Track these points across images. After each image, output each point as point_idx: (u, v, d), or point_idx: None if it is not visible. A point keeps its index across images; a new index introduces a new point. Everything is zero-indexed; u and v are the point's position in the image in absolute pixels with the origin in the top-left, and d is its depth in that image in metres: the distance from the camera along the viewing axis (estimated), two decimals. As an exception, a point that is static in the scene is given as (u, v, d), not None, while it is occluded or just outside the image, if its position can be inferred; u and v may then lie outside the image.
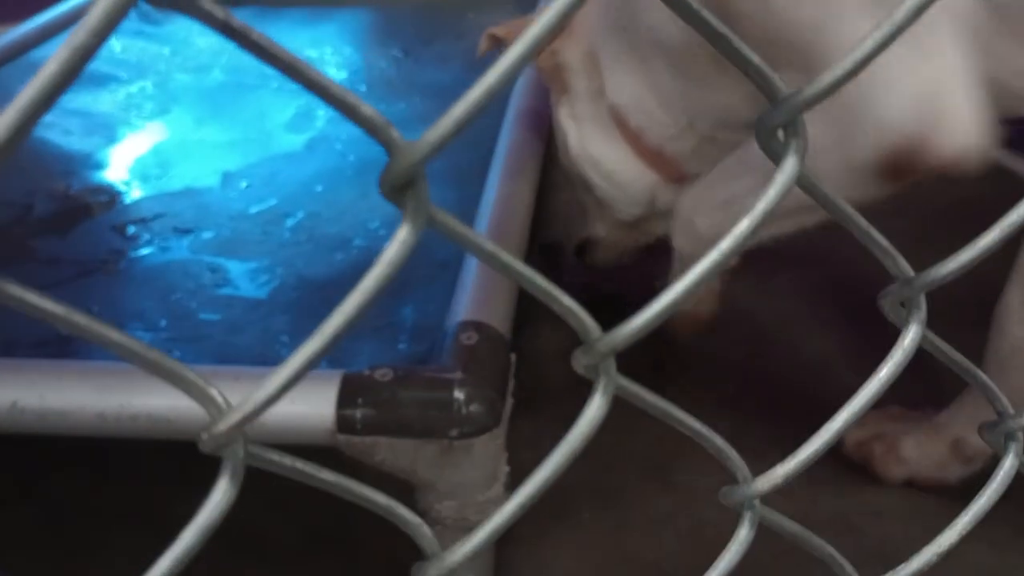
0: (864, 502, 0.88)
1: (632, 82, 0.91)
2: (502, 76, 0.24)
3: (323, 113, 1.18)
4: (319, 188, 1.03)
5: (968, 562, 0.69)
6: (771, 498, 0.37)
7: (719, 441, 0.36)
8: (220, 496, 0.25)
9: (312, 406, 0.63)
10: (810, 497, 0.84)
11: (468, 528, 0.68)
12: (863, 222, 0.34)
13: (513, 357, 0.71)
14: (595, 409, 0.31)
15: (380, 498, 0.30)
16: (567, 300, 0.29)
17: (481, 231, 0.86)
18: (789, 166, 0.30)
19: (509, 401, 0.69)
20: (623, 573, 0.81)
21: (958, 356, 0.39)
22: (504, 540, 0.71)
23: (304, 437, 0.63)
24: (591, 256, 1.10)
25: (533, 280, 0.28)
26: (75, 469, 0.88)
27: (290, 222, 0.96)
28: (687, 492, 0.89)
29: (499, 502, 0.67)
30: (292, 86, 0.25)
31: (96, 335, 0.22)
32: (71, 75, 0.19)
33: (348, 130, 1.10)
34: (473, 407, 0.64)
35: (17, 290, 0.20)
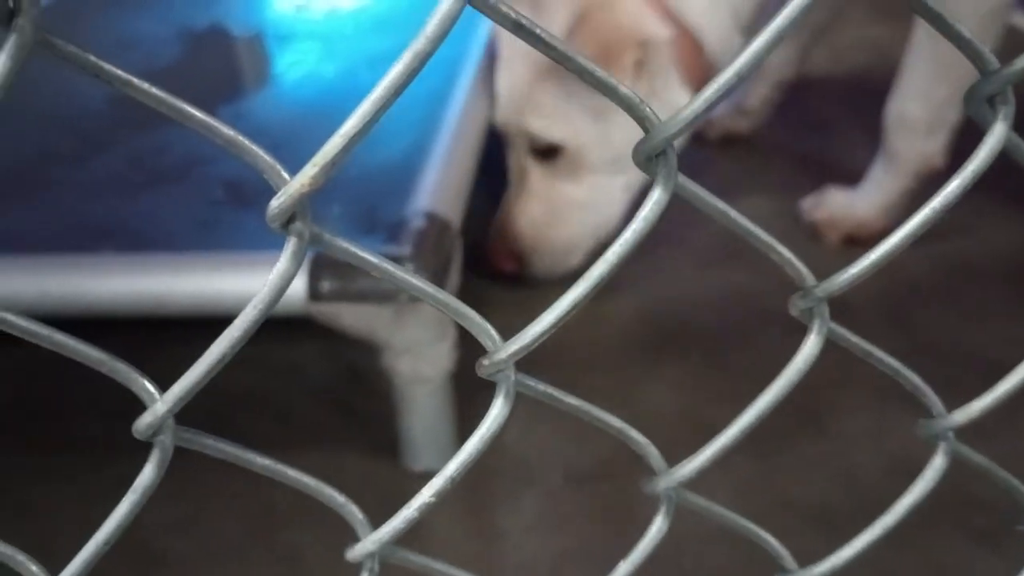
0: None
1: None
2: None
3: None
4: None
5: None
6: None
7: (916, 379, 0.38)
8: (498, 411, 0.31)
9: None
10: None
11: (424, 380, 0.82)
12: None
13: (459, 241, 0.84)
14: (811, 347, 0.34)
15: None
16: (784, 251, 0.32)
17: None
18: (999, 131, 0.32)
19: (455, 276, 0.83)
20: (777, 515, 0.80)
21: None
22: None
23: (283, 307, 0.77)
24: None
25: (768, 242, 0.31)
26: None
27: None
28: (839, 438, 0.89)
29: (449, 358, 0.82)
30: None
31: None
32: (411, 77, 0.23)
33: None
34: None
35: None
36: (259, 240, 0.92)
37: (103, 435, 0.92)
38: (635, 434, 0.32)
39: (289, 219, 0.24)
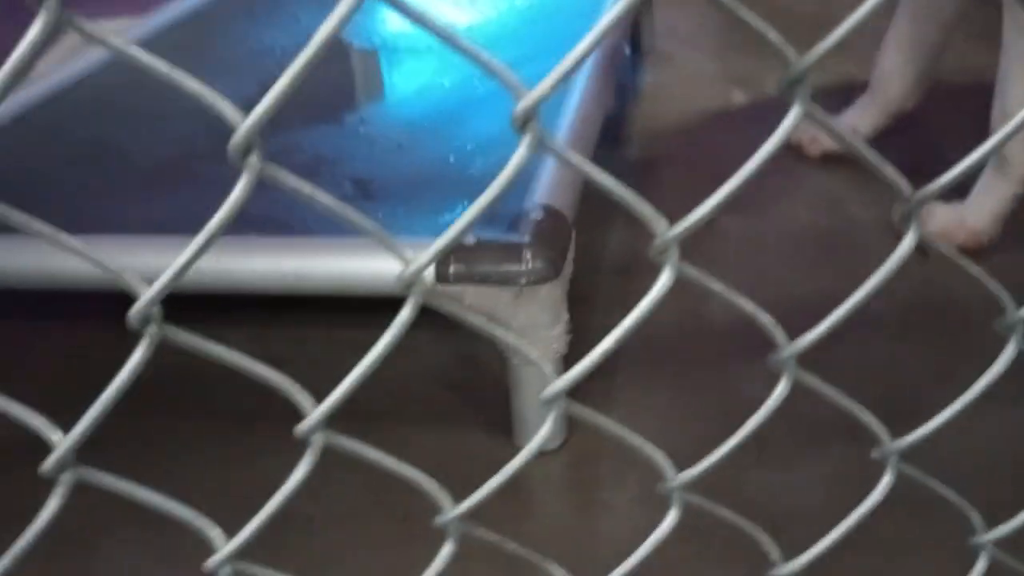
0: None
1: None
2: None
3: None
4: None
5: None
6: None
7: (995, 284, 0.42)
8: (664, 281, 0.35)
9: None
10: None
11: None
12: None
13: (573, 232, 0.90)
14: (909, 241, 0.39)
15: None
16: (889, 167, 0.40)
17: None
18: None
19: (569, 264, 0.88)
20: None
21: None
22: (758, 462, 0.87)
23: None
24: None
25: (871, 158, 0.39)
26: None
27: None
28: (932, 433, 0.98)
29: (560, 339, 0.87)
30: None
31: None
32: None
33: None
34: (537, 263, 0.83)
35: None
36: (388, 229, 1.00)
37: (240, 407, 1.00)
38: (763, 316, 0.37)
39: (526, 121, 0.29)
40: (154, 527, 0.83)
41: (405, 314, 0.30)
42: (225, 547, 0.33)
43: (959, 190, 1.18)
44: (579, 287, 0.97)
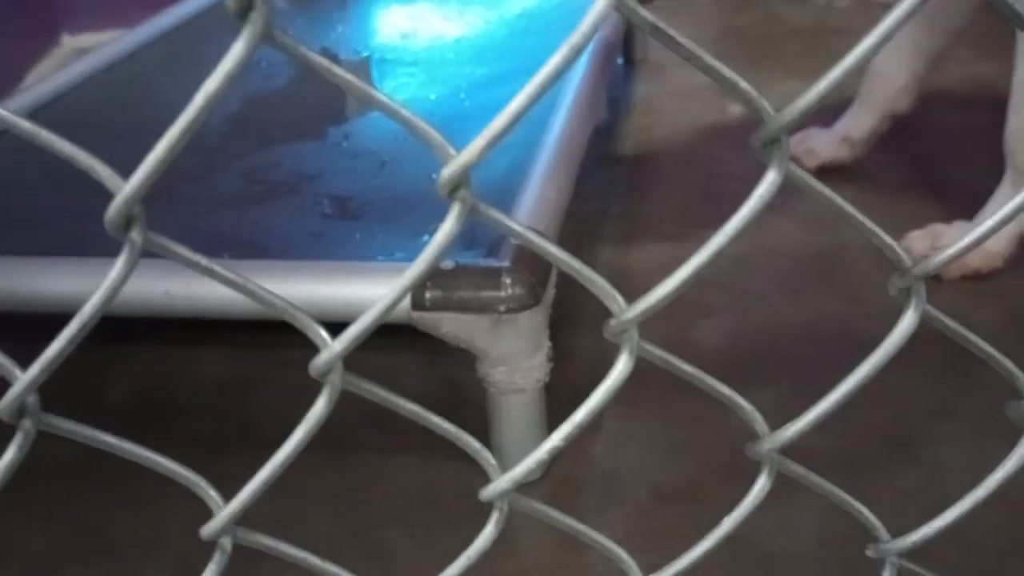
0: None
1: None
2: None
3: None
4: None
5: None
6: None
7: (1009, 364, 0.38)
8: (622, 367, 0.34)
9: (392, 290, 0.81)
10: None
11: (518, 391, 0.85)
12: None
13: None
14: (908, 322, 0.36)
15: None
16: (884, 235, 0.34)
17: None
18: None
19: (551, 289, 0.85)
20: (864, 542, 0.85)
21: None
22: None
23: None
24: None
25: (871, 227, 0.34)
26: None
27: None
28: (933, 468, 0.86)
29: (542, 369, 0.84)
30: None
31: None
32: (568, 65, 0.27)
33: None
34: (516, 289, 0.80)
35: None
36: (366, 251, 0.98)
37: (212, 434, 0.97)
38: (741, 400, 0.34)
39: (454, 188, 0.26)
40: (116, 556, 0.81)
41: (319, 407, 0.28)
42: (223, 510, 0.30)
43: (967, 208, 1.15)
44: (564, 309, 0.94)
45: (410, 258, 0.84)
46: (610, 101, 1.70)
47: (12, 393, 0.25)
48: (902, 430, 0.91)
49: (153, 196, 1.06)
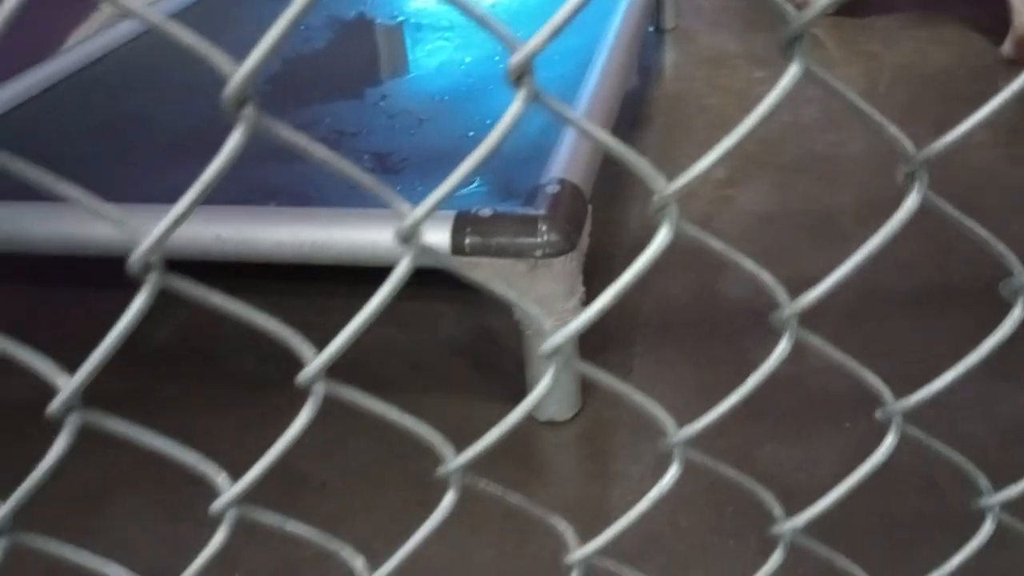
0: None
1: None
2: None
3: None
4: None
5: None
6: None
7: (1002, 246, 0.39)
8: (662, 237, 0.33)
9: (433, 235, 0.85)
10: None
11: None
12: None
13: (589, 206, 0.90)
14: (912, 202, 0.36)
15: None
16: (890, 126, 0.34)
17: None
18: None
19: (585, 237, 0.89)
20: (884, 479, 0.83)
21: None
22: (772, 437, 0.89)
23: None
24: None
25: (878, 119, 0.39)
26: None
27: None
28: (947, 406, 0.91)
29: (576, 312, 0.88)
30: None
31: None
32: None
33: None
34: (552, 235, 0.83)
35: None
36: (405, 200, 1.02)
37: (255, 372, 1.02)
38: (766, 276, 0.37)
39: (520, 75, 0.29)
40: (167, 486, 0.86)
41: (403, 267, 0.31)
42: (230, 490, 0.34)
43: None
44: (596, 262, 0.98)
45: (448, 208, 0.88)
46: (641, 68, 1.73)
47: (139, 251, 0.29)
48: (916, 373, 0.93)
49: (205, 150, 1.12)
